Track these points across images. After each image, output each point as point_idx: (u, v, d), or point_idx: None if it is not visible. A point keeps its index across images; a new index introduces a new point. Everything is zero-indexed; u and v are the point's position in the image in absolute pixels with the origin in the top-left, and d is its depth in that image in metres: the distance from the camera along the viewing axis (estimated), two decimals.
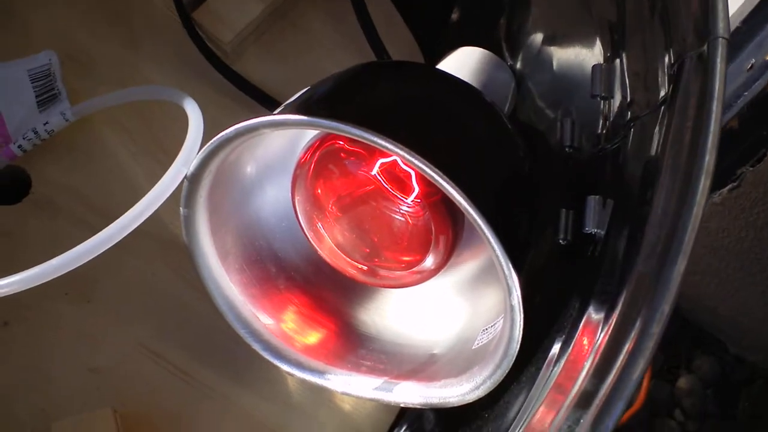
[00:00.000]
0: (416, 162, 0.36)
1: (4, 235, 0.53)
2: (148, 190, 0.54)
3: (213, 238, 0.46)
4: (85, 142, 0.56)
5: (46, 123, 0.53)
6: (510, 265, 0.36)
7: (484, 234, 0.36)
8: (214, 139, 0.41)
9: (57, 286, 0.41)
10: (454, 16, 0.61)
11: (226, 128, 0.40)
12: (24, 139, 0.53)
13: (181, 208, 0.44)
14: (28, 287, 0.41)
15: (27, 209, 0.54)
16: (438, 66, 0.55)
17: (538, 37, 0.53)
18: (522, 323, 0.36)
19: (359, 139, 0.37)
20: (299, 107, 0.41)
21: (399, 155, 0.36)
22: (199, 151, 0.42)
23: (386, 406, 0.54)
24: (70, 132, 0.55)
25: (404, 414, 0.53)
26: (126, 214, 0.42)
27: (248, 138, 0.41)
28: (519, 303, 0.36)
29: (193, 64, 0.58)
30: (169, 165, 0.55)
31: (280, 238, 0.48)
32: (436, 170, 0.36)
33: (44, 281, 0.41)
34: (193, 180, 0.43)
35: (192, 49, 0.58)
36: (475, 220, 0.35)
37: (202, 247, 0.46)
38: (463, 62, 0.55)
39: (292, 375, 0.45)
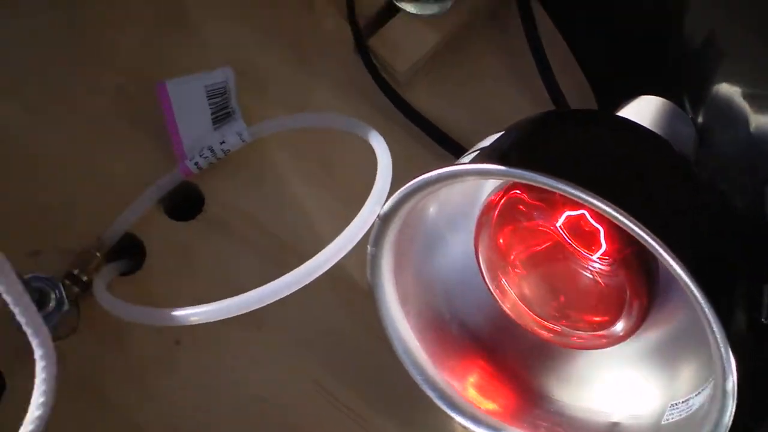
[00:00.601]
0: (623, 219, 0.34)
1: (177, 251, 0.54)
2: (317, 216, 0.55)
3: (395, 280, 0.46)
4: (257, 163, 0.56)
5: (223, 142, 0.54)
6: (728, 347, 0.34)
7: (702, 309, 0.34)
8: (415, 180, 0.40)
9: None
10: (631, 62, 0.60)
11: (428, 172, 0.40)
12: (201, 156, 0.54)
13: (368, 247, 0.44)
14: (220, 318, 0.42)
15: (200, 227, 0.55)
16: (618, 114, 0.53)
17: (729, 92, 0.51)
18: (733, 411, 0.35)
19: (553, 191, 0.36)
20: (507, 156, 0.40)
21: (600, 209, 0.35)
22: (392, 192, 0.42)
23: None
24: (243, 151, 0.55)
25: None
26: (322, 252, 0.42)
27: (447, 184, 0.41)
28: (734, 389, 0.35)
29: (364, 89, 0.58)
30: (340, 193, 0.55)
31: (459, 288, 0.48)
32: (645, 229, 0.34)
33: (236, 314, 0.42)
34: (385, 219, 0.43)
35: (362, 75, 0.58)
36: (690, 290, 0.34)
37: (384, 287, 0.46)
38: (643, 112, 0.54)
39: (465, 428, 0.45)
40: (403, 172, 0.44)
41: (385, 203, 0.43)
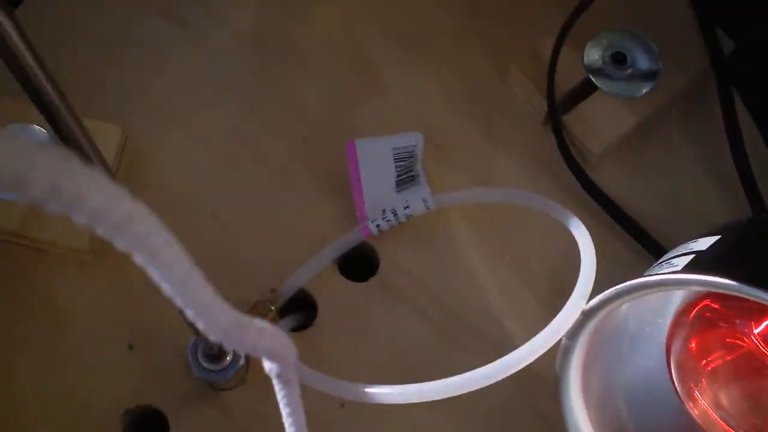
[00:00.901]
0: None
1: (348, 311, 0.53)
2: (490, 289, 0.54)
3: (582, 374, 0.44)
4: (434, 231, 0.55)
5: (407, 207, 0.53)
6: None
7: None
8: (629, 283, 0.39)
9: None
10: None
11: (648, 276, 0.38)
12: (383, 219, 0.53)
13: (564, 338, 0.43)
14: (410, 402, 0.41)
15: (373, 289, 0.54)
16: None
17: None
18: None
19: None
20: (732, 269, 0.37)
21: None
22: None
23: None
24: (422, 216, 0.54)
25: None
26: (524, 346, 0.41)
27: (662, 290, 0.39)
28: None
29: (548, 165, 0.57)
30: (515, 268, 0.54)
31: (643, 394, 0.46)
32: None
33: (427, 399, 0.40)
34: (588, 314, 0.41)
35: (548, 150, 0.57)
36: None
37: (570, 379, 0.44)
38: None
39: None
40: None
41: (589, 300, 0.42)
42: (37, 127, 0.52)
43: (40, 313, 0.52)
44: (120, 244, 0.18)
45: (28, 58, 0.24)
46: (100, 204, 0.17)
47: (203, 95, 0.57)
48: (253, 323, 0.24)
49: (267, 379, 0.51)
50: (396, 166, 0.54)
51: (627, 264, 0.54)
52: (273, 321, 0.52)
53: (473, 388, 0.39)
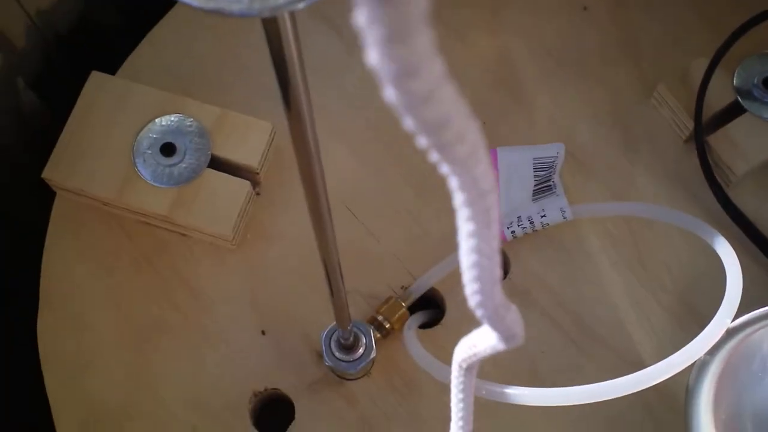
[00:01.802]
0: None
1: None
2: (621, 302, 0.53)
3: (715, 391, 0.44)
4: (568, 240, 0.55)
5: (543, 216, 0.53)
6: None
7: None
8: None
9: None
10: None
11: None
12: (519, 225, 0.54)
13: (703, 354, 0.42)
14: (552, 404, 0.41)
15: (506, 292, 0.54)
16: None
17: None
18: None
19: None
20: None
21: None
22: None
23: None
24: (554, 226, 0.54)
25: None
26: (663, 362, 0.40)
27: None
28: None
29: (687, 184, 0.56)
30: (648, 282, 0.54)
31: None
32: None
33: (569, 404, 0.41)
34: (731, 332, 0.41)
35: (689, 169, 0.56)
36: None
37: (702, 395, 0.44)
38: None
39: None
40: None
41: (734, 318, 0.41)
42: (189, 117, 0.54)
43: (181, 295, 0.54)
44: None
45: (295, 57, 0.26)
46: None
47: (349, 96, 0.59)
48: (512, 307, 0.25)
49: (390, 372, 0.52)
50: (535, 176, 0.55)
51: (763, 287, 0.53)
52: (403, 317, 0.52)
53: (617, 395, 0.39)
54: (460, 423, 0.33)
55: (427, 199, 0.57)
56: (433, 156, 0.18)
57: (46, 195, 0.56)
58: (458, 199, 0.20)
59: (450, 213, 0.58)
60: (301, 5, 0.21)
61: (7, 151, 0.60)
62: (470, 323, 0.53)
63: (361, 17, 0.15)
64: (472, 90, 0.59)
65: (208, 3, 0.21)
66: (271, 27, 0.24)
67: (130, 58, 0.60)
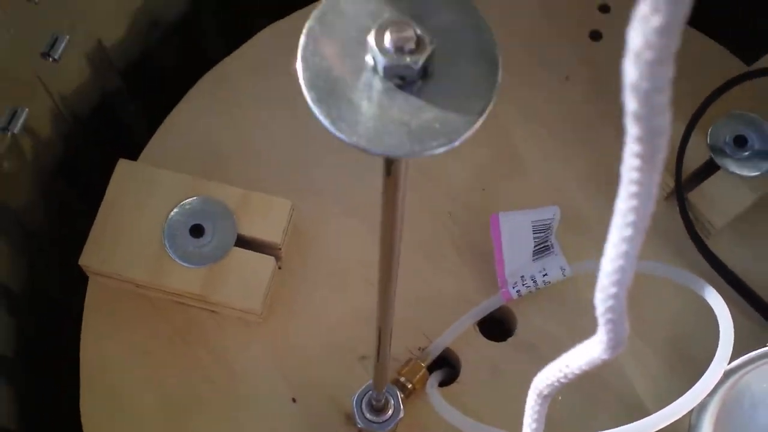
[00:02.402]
0: None
1: (488, 368, 0.59)
2: (622, 355, 0.58)
3: (714, 429, 0.49)
4: (567, 295, 0.60)
5: (545, 274, 0.58)
6: None
7: None
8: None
9: None
10: None
11: None
12: (523, 285, 0.59)
13: None
14: None
15: (510, 349, 0.59)
16: None
17: None
18: None
19: None
20: None
21: None
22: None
23: None
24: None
25: None
26: (670, 406, 0.45)
27: None
28: None
29: (669, 237, 0.62)
30: (646, 336, 0.59)
31: None
32: None
33: None
34: (728, 373, 0.46)
35: (671, 223, 0.62)
36: None
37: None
38: None
39: None
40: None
41: (729, 362, 0.46)
42: (214, 198, 0.59)
43: (214, 369, 0.58)
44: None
45: None
46: None
47: (358, 172, 0.64)
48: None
49: (414, 430, 0.56)
50: (534, 237, 0.60)
51: (747, 333, 0.58)
52: (424, 378, 0.57)
53: None
54: None
55: (437, 266, 0.61)
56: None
57: (81, 278, 0.60)
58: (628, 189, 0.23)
59: (459, 278, 0.63)
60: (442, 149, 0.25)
61: (38, 237, 0.64)
62: (483, 381, 0.58)
63: (638, 40, 0.19)
64: (469, 156, 0.64)
65: (377, 147, 0.25)
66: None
67: (149, 144, 0.64)
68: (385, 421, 0.53)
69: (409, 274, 0.61)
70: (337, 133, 0.25)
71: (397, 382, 0.56)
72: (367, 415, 0.53)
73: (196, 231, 0.58)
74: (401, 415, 0.54)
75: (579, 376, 0.32)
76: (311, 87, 0.25)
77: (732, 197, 0.60)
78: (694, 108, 0.62)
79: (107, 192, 0.59)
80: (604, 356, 0.29)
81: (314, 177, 0.64)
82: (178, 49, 0.74)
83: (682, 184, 0.60)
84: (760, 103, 0.63)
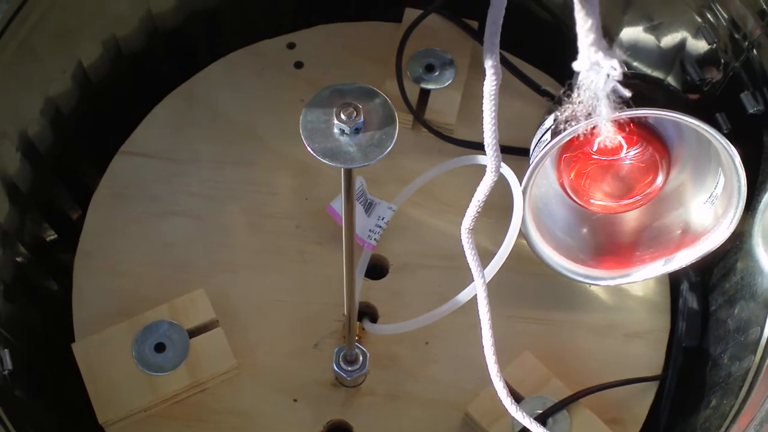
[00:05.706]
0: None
1: (391, 295, 0.83)
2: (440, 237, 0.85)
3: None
4: (406, 220, 0.85)
5: (382, 218, 0.83)
6: (728, 142, 0.65)
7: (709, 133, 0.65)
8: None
9: None
10: None
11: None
12: (374, 234, 0.83)
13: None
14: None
15: (390, 280, 0.84)
16: None
17: None
18: (744, 176, 0.66)
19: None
20: None
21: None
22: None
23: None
24: (394, 218, 0.85)
25: None
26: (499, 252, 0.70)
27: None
28: (740, 163, 0.65)
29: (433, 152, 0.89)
30: (447, 212, 0.85)
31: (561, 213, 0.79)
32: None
33: None
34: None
35: (429, 141, 0.89)
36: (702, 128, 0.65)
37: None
38: None
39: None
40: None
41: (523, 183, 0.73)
42: (156, 320, 0.78)
43: (229, 419, 0.78)
44: None
45: None
46: None
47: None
48: None
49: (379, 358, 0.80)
50: (359, 203, 0.84)
51: None
52: (360, 327, 0.80)
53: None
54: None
55: (314, 259, 0.85)
56: None
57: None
58: None
59: (337, 254, 0.86)
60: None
61: None
62: (392, 303, 0.82)
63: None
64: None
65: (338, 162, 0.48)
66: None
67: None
68: (357, 368, 0.77)
69: (324, 277, 0.84)
70: (322, 159, 0.48)
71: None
72: (344, 366, 0.76)
73: (159, 347, 0.78)
74: (368, 356, 0.77)
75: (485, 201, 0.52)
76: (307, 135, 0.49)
77: (446, 102, 0.88)
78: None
79: (81, 371, 0.77)
80: (494, 177, 0.51)
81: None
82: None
83: (416, 115, 0.87)
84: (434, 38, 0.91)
